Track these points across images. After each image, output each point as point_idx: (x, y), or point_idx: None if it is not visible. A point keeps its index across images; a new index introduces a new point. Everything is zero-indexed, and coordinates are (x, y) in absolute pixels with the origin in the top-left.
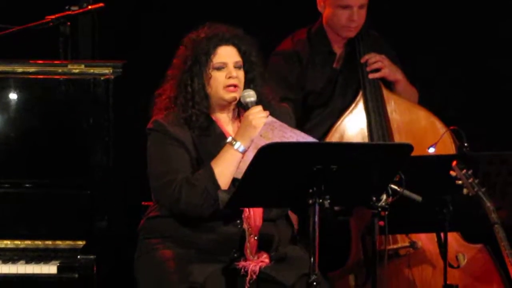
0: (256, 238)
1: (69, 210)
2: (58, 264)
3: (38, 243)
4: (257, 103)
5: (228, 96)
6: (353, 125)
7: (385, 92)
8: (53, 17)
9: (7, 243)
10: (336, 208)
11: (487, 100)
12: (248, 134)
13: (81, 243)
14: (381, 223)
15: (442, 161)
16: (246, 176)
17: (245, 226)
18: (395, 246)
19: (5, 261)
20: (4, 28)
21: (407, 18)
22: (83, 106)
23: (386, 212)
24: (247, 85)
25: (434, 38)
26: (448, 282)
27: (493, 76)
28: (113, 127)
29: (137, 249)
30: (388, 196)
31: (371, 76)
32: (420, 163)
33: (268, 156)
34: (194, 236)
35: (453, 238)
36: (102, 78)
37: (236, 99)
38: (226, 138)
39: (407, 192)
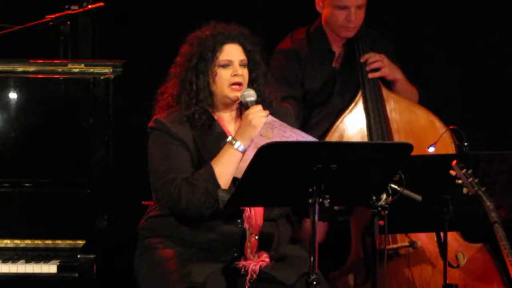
0: (256, 237)
1: (69, 210)
2: (58, 264)
3: (38, 242)
4: (258, 102)
5: (233, 94)
6: (353, 125)
7: (385, 92)
8: (53, 16)
9: (7, 243)
10: (336, 207)
11: (486, 100)
12: (248, 133)
13: (81, 242)
14: (381, 222)
15: (442, 160)
16: (246, 175)
17: (246, 225)
18: (395, 246)
19: (5, 261)
20: (4, 28)
21: (407, 17)
22: (83, 106)
23: (386, 212)
24: (250, 84)
25: (434, 38)
26: (448, 282)
27: (493, 75)
28: (113, 127)
29: (137, 248)
30: (388, 195)
31: (370, 75)
32: (420, 162)
33: (268, 156)
34: (194, 235)
35: (453, 238)
36: (102, 78)
37: (239, 98)
38: (226, 137)
39: (407, 192)
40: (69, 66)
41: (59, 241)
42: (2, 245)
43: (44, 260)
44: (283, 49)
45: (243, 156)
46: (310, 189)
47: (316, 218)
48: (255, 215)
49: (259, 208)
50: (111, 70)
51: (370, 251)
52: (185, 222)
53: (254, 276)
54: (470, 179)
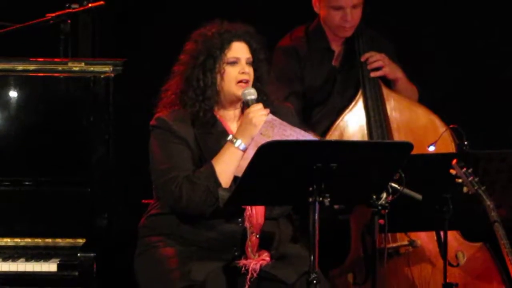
0: (257, 236)
1: (69, 208)
2: (58, 262)
3: (38, 241)
4: (259, 101)
5: (239, 92)
6: (353, 123)
7: (385, 91)
8: (53, 15)
9: (7, 241)
10: (336, 206)
11: (486, 98)
12: (249, 132)
13: (81, 241)
14: (381, 221)
15: (442, 159)
16: (246, 174)
17: (246, 224)
18: (394, 245)
19: (5, 259)
20: (5, 26)
21: (407, 17)
22: (83, 104)
23: (386, 211)
24: (254, 83)
25: (434, 38)
26: (447, 281)
27: (493, 75)
28: (113, 125)
29: (137, 247)
30: (388, 194)
31: (372, 74)
32: (420, 161)
33: (268, 154)
34: (195, 233)
35: (453, 237)
36: (102, 76)
37: None
38: (227, 135)
39: (407, 191)
40: (70, 64)
41: (59, 240)
42: (2, 244)
43: (44, 259)
44: (282, 46)
45: (243, 155)
46: (310, 188)
47: (316, 217)
48: (256, 214)
49: (260, 207)
50: (111, 68)
51: (370, 250)
52: (185, 221)
53: (255, 275)
54: (470, 178)
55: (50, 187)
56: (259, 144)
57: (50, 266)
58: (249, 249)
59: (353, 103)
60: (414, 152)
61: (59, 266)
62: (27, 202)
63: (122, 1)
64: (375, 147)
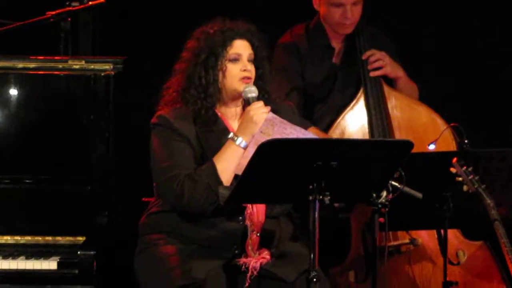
0: (258, 234)
1: (69, 206)
2: (58, 260)
3: (38, 238)
4: (260, 99)
5: (242, 88)
6: (354, 122)
7: (386, 89)
8: (53, 13)
9: (7, 239)
10: (336, 204)
11: (487, 97)
12: (250, 129)
13: (81, 239)
14: (382, 219)
15: (442, 158)
16: (246, 172)
17: (247, 222)
18: (395, 243)
19: (5, 257)
20: (5, 24)
21: (407, 17)
22: (84, 102)
23: (387, 209)
24: (256, 81)
25: (434, 38)
26: (448, 279)
27: (493, 72)
28: (113, 123)
29: (137, 245)
30: (388, 192)
31: (372, 74)
32: (420, 159)
33: (268, 153)
34: (195, 231)
35: (453, 235)
36: (102, 74)
37: None
38: (229, 133)
39: (407, 189)
40: (70, 62)
41: (59, 238)
42: (3, 242)
43: (44, 257)
44: (283, 43)
45: (244, 153)
46: (311, 186)
47: (317, 216)
48: (257, 212)
49: (261, 205)
50: (111, 66)
51: (371, 248)
52: (186, 219)
53: (255, 273)
54: (471, 177)
55: (50, 185)
56: (259, 143)
57: (50, 264)
58: (250, 247)
59: (354, 101)
60: (414, 150)
61: (59, 264)
62: (27, 200)
63: None
64: (375, 145)
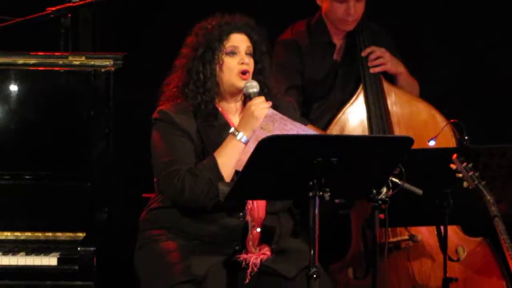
0: (258, 230)
1: (69, 202)
2: (58, 256)
3: (39, 235)
4: (261, 94)
5: (240, 83)
6: (354, 118)
7: (386, 85)
8: (54, 8)
9: (7, 235)
10: (336, 201)
11: (487, 93)
12: (251, 124)
13: (81, 235)
14: (381, 216)
15: (442, 154)
16: (246, 168)
17: (248, 218)
18: (395, 239)
19: (5, 253)
20: (5, 20)
21: (408, 16)
22: (84, 98)
23: (386, 205)
24: (256, 75)
25: (434, 37)
26: (447, 275)
27: (493, 69)
28: (113, 119)
29: (138, 241)
30: (388, 189)
31: (372, 70)
32: (420, 156)
33: (268, 149)
34: (196, 227)
35: (453, 231)
36: (102, 70)
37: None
38: (230, 128)
39: (407, 185)
40: (70, 58)
41: (59, 234)
42: (3, 237)
43: (45, 253)
44: (283, 40)
45: (244, 148)
46: (311, 183)
47: (317, 212)
48: (257, 208)
49: (262, 201)
50: (111, 62)
51: (371, 245)
52: (187, 214)
53: (255, 269)
54: (471, 173)
55: (51, 181)
56: (259, 139)
57: (50, 260)
58: (250, 243)
59: (354, 98)
60: (414, 146)
61: (59, 260)
62: (27, 196)
63: None
64: (375, 141)
